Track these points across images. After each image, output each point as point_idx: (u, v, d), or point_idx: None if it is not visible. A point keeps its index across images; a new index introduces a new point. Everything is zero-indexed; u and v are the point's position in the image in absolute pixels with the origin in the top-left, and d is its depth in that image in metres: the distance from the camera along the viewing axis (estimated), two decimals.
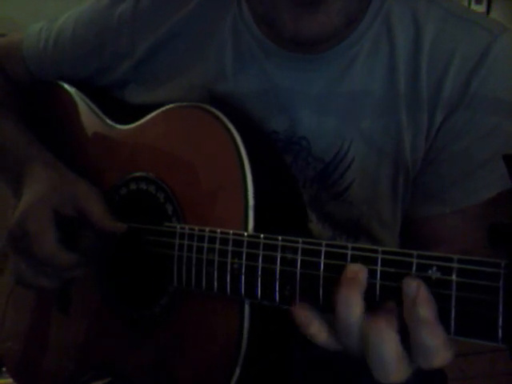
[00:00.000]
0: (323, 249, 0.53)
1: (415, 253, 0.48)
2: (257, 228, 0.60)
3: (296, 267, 0.55)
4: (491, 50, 0.65)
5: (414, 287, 0.46)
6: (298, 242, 0.55)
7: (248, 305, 0.61)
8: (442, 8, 0.68)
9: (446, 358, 0.46)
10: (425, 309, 0.45)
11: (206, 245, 0.62)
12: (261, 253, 0.57)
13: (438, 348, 0.45)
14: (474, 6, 3.17)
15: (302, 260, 0.54)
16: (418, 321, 0.45)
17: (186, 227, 0.64)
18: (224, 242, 0.60)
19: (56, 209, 0.71)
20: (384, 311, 0.47)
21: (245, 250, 0.59)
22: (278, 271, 0.56)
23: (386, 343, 0.46)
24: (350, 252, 0.51)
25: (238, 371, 0.62)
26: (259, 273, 0.57)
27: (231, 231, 0.60)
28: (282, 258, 0.56)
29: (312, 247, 0.54)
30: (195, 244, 0.63)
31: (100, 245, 0.73)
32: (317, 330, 0.51)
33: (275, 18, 0.63)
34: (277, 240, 0.56)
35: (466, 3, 3.21)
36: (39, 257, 0.70)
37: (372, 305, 0.49)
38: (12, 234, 0.72)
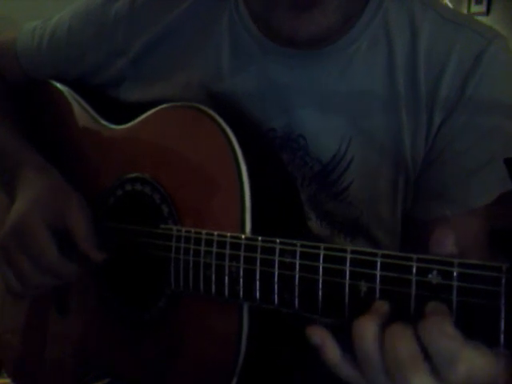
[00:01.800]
0: (322, 252, 0.52)
1: (415, 256, 0.47)
2: (254, 228, 0.60)
3: (294, 271, 0.54)
4: (485, 53, 0.66)
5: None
6: (296, 246, 0.54)
7: (246, 307, 0.60)
8: (437, 13, 0.69)
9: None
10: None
11: (203, 248, 0.61)
12: (258, 256, 0.57)
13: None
14: (474, 6, 3.17)
15: (300, 264, 0.54)
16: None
17: (183, 230, 0.64)
18: (221, 244, 0.60)
19: (47, 220, 0.71)
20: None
21: (242, 253, 0.58)
22: (276, 275, 0.55)
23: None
24: (349, 256, 0.50)
25: (237, 373, 0.61)
26: (257, 276, 0.57)
27: (228, 234, 0.59)
28: (280, 262, 0.55)
29: (310, 251, 0.53)
30: (192, 247, 0.62)
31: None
32: (333, 351, 0.49)
33: (272, 18, 0.63)
34: (275, 243, 0.56)
35: (466, 3, 3.21)
36: (41, 267, 0.70)
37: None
38: (4, 244, 0.71)
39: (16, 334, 0.88)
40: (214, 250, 0.60)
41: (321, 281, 0.52)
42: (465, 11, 3.20)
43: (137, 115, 0.73)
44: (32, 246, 0.70)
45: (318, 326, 0.49)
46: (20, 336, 0.88)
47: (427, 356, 0.44)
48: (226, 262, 0.59)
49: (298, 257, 0.54)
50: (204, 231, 0.61)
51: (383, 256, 0.49)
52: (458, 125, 0.67)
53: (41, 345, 0.84)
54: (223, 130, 0.63)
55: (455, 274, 0.45)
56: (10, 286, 0.72)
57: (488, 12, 3.15)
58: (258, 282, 0.57)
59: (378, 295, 0.48)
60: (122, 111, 0.78)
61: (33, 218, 0.70)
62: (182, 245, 0.63)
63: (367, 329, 0.46)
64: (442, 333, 0.43)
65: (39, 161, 0.78)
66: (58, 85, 0.85)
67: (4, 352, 0.90)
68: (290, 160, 0.73)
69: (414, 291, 0.47)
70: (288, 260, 0.55)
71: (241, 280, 0.58)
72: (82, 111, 0.81)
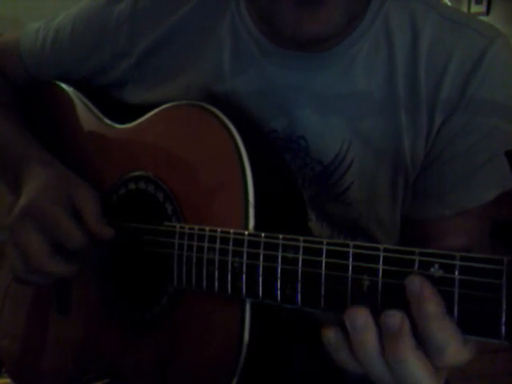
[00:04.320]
0: (324, 247, 0.53)
1: (417, 250, 0.47)
2: (257, 226, 0.60)
3: (297, 266, 0.54)
4: (487, 53, 0.66)
5: (418, 284, 0.46)
6: (299, 241, 0.55)
7: (249, 304, 0.61)
8: (439, 14, 0.69)
9: (461, 354, 0.46)
10: (431, 304, 0.45)
11: (206, 244, 0.62)
12: (262, 252, 0.57)
13: (448, 341, 0.45)
14: (474, 6, 3.18)
15: (303, 259, 0.54)
16: (426, 317, 0.45)
17: (186, 227, 0.64)
18: (224, 241, 0.60)
19: (58, 203, 0.71)
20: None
21: (245, 249, 0.58)
22: (279, 270, 0.56)
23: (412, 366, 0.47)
24: (351, 250, 0.51)
25: (238, 371, 0.61)
26: (260, 272, 0.57)
27: (232, 230, 0.60)
28: (283, 257, 0.55)
29: (313, 246, 0.53)
30: (195, 243, 0.63)
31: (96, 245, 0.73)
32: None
33: (275, 16, 0.63)
34: (278, 239, 0.56)
35: (466, 3, 3.21)
36: (59, 241, 0.70)
37: (375, 304, 0.48)
38: (14, 225, 0.71)
39: (16, 334, 0.88)
40: (217, 246, 0.60)
41: (323, 275, 0.52)
42: (465, 11, 3.20)
43: (141, 115, 0.74)
44: (48, 221, 0.70)
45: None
46: (20, 336, 0.88)
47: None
48: (229, 258, 0.59)
49: (301, 252, 0.54)
50: (207, 228, 0.62)
51: (386, 250, 0.49)
52: (458, 125, 0.67)
53: (41, 344, 0.84)
54: (227, 128, 0.63)
55: (457, 267, 0.45)
56: (14, 270, 0.72)
57: (488, 12, 3.15)
58: (260, 278, 0.57)
59: (380, 289, 0.49)
60: (125, 111, 0.79)
61: (45, 200, 0.71)
62: (186, 242, 0.64)
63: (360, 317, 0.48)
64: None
65: (45, 156, 0.78)
66: (63, 84, 0.85)
67: (4, 352, 0.90)
68: (291, 161, 0.73)
69: None
70: (291, 255, 0.55)
71: (243, 276, 0.58)
72: (86, 110, 0.81)
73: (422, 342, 0.46)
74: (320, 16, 0.61)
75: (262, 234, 0.57)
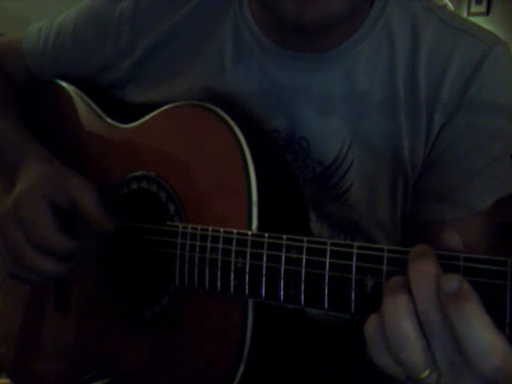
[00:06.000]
0: (328, 248, 0.53)
1: None
2: (260, 226, 0.60)
3: (301, 266, 0.54)
4: (487, 58, 0.67)
5: (456, 282, 0.43)
6: (302, 241, 0.55)
7: (251, 304, 0.61)
8: (440, 19, 0.70)
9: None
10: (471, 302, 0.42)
11: (209, 244, 0.62)
12: (265, 252, 0.57)
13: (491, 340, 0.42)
14: (474, 6, 3.18)
15: (306, 259, 0.54)
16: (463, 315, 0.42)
17: (189, 226, 0.64)
18: (227, 241, 0.60)
19: (49, 197, 0.71)
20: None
21: (249, 249, 0.58)
22: (282, 270, 0.56)
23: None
24: (355, 251, 0.51)
25: (240, 371, 0.61)
26: (263, 272, 0.57)
27: (235, 230, 0.60)
28: (286, 258, 0.55)
29: (317, 246, 0.53)
30: (198, 243, 0.63)
31: (96, 237, 0.73)
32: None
33: (277, 8, 0.62)
34: (281, 239, 0.56)
35: (466, 3, 3.22)
36: (36, 242, 0.69)
37: (379, 305, 0.48)
38: (4, 221, 0.71)
39: (14, 333, 0.88)
40: (220, 246, 0.60)
41: (327, 276, 0.52)
42: (465, 11, 3.21)
43: (143, 114, 0.74)
44: (26, 219, 0.69)
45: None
46: (18, 335, 0.87)
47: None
48: (232, 258, 0.59)
49: (304, 252, 0.54)
50: (210, 228, 0.62)
51: (390, 251, 0.49)
52: (459, 128, 0.68)
53: (40, 343, 0.84)
54: (230, 128, 0.63)
55: (461, 268, 0.45)
56: (6, 264, 0.72)
57: (488, 12, 3.15)
58: (264, 278, 0.57)
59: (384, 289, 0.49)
60: (128, 110, 0.79)
61: (32, 193, 0.70)
62: (188, 241, 0.64)
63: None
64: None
65: (43, 152, 0.78)
66: (64, 83, 0.85)
67: (3, 352, 0.90)
68: (292, 161, 0.74)
69: None
70: (294, 256, 0.55)
71: (246, 276, 0.59)
72: (88, 109, 0.81)
73: (461, 346, 0.42)
74: (321, 3, 0.60)
75: (266, 235, 0.57)
